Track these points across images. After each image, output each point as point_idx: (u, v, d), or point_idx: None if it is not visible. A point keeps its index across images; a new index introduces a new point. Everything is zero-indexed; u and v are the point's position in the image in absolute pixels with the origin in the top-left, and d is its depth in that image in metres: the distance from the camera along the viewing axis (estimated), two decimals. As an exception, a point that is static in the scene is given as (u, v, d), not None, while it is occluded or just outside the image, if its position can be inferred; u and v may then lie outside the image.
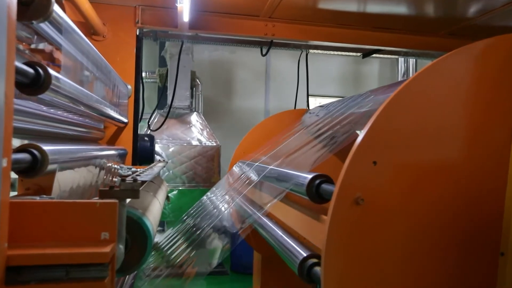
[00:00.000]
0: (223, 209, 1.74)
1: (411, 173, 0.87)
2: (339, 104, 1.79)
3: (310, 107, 4.28)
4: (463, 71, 0.89)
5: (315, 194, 1.07)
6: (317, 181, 1.07)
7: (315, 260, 1.07)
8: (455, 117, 0.89)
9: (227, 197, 1.89)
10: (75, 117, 1.33)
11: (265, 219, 1.51)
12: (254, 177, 1.69)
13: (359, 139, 0.84)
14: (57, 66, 1.11)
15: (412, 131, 0.88)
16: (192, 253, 1.56)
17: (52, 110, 1.10)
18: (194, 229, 1.68)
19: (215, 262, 1.63)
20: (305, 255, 1.10)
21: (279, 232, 1.36)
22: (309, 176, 1.09)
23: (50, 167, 0.85)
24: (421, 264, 0.87)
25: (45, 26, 0.89)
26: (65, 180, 0.99)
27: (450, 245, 0.89)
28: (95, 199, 0.82)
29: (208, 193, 2.13)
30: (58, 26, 0.94)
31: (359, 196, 0.82)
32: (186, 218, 1.87)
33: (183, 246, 1.60)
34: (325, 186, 1.05)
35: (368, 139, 0.85)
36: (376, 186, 0.84)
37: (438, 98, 0.89)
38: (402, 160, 0.86)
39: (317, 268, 1.04)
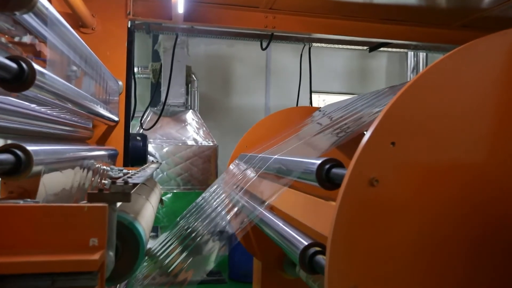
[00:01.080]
0: (219, 209, 1.74)
1: (430, 159, 0.87)
2: (357, 102, 1.77)
3: (313, 105, 4.29)
4: (498, 56, 0.88)
5: (325, 179, 1.07)
6: (328, 165, 1.07)
7: (317, 249, 1.08)
8: (483, 105, 0.89)
9: (223, 195, 1.89)
10: (61, 115, 1.33)
11: (265, 213, 1.51)
12: (257, 168, 1.70)
13: (378, 118, 0.84)
14: (42, 60, 1.11)
15: (437, 115, 0.88)
16: (187, 259, 1.56)
17: (37, 108, 1.10)
18: (189, 231, 1.68)
19: (210, 266, 1.63)
20: (306, 243, 1.11)
21: (280, 223, 1.37)
22: (318, 161, 1.10)
23: (35, 168, 0.85)
24: (433, 257, 0.87)
25: (29, 18, 0.89)
26: (51, 183, 0.99)
27: (466, 242, 0.88)
28: (83, 203, 0.82)
29: (204, 194, 2.13)
30: (43, 17, 0.94)
31: (374, 177, 0.82)
32: (181, 222, 1.87)
33: (177, 252, 1.60)
34: (336, 170, 1.05)
35: (389, 118, 0.85)
36: (393, 168, 0.85)
37: (469, 82, 0.88)
38: (423, 144, 0.86)
39: (320, 257, 1.04)
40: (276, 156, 1.55)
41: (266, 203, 1.48)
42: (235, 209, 1.66)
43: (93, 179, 1.44)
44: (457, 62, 0.88)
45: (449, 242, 0.88)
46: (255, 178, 1.69)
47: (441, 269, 0.87)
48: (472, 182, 0.89)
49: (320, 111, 2.45)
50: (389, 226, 0.85)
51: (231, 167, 2.32)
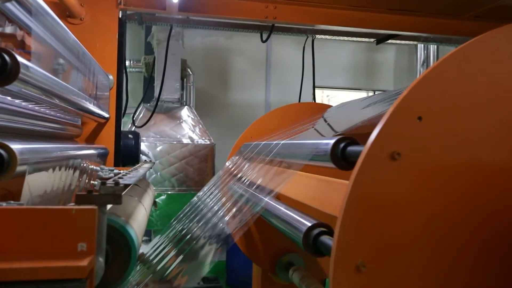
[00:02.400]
0: (215, 208, 1.74)
1: (458, 138, 0.88)
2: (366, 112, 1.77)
3: (317, 100, 4.28)
4: None
5: (341, 158, 1.06)
6: (343, 143, 1.07)
7: (322, 229, 1.08)
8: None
9: (220, 193, 1.88)
10: (48, 111, 1.32)
11: (269, 201, 1.51)
12: (263, 156, 1.70)
13: (406, 90, 0.86)
14: (27, 53, 1.10)
15: (469, 93, 0.89)
16: (181, 264, 1.56)
17: (21, 104, 1.09)
18: (183, 234, 1.68)
19: (206, 271, 1.64)
20: (309, 224, 1.11)
21: (282, 208, 1.37)
22: (333, 140, 1.10)
23: (19, 168, 0.84)
24: (446, 244, 0.88)
25: (12, 7, 0.88)
26: (37, 184, 0.98)
27: (482, 235, 0.89)
28: (71, 205, 0.82)
29: (200, 193, 2.13)
30: (27, 6, 0.93)
31: (396, 151, 0.83)
32: (175, 223, 1.87)
33: (171, 256, 1.60)
34: (352, 147, 1.05)
35: (418, 91, 0.86)
36: (418, 144, 0.86)
37: (508, 65, 0.90)
38: (452, 122, 0.88)
39: (326, 237, 1.05)
40: (284, 141, 1.55)
41: (274, 192, 1.47)
42: (238, 204, 1.66)
43: (81, 179, 1.44)
44: (499, 40, 0.89)
45: (465, 230, 0.89)
46: (258, 166, 1.69)
47: (451, 258, 0.88)
48: (494, 174, 0.90)
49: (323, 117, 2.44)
50: (406, 203, 0.86)
51: (228, 164, 2.32)
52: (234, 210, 1.65)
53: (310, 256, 2.21)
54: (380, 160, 0.84)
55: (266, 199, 1.48)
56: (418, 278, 0.86)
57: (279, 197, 1.57)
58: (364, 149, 0.85)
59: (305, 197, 1.35)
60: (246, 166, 1.95)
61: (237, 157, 2.27)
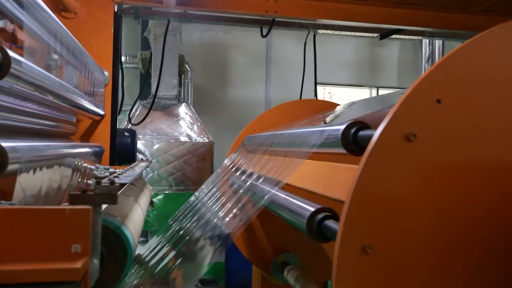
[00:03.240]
0: (215, 207, 1.74)
1: (477, 124, 0.90)
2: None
3: (318, 97, 4.27)
4: None
5: (353, 142, 1.07)
6: (355, 128, 1.07)
7: (327, 213, 1.10)
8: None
9: (217, 192, 1.88)
10: (41, 108, 1.32)
11: (273, 191, 1.51)
12: (269, 147, 1.69)
13: (427, 72, 0.87)
14: (19, 47, 1.10)
15: (491, 80, 0.90)
16: (179, 265, 1.56)
17: (13, 100, 1.09)
18: (180, 234, 1.68)
19: (203, 271, 1.64)
20: (313, 209, 1.12)
21: (285, 196, 1.38)
22: (344, 125, 1.10)
23: (11, 167, 0.84)
24: (455, 232, 0.89)
25: None
26: (30, 183, 0.98)
27: (493, 230, 0.90)
28: (65, 205, 0.81)
29: (196, 193, 2.13)
30: (20, -1, 0.93)
31: (412, 132, 0.84)
32: (172, 223, 1.87)
33: (169, 257, 1.60)
34: (364, 132, 1.06)
35: (438, 73, 0.87)
36: (435, 127, 0.87)
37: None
38: (471, 108, 0.89)
39: (330, 221, 1.06)
40: (291, 130, 1.55)
41: (282, 183, 1.47)
42: (241, 198, 1.65)
43: (76, 178, 1.44)
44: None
45: (477, 218, 0.89)
46: (264, 157, 1.69)
47: (461, 244, 0.89)
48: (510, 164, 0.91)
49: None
50: (418, 186, 0.87)
51: (226, 161, 2.31)
52: (235, 207, 1.65)
53: (308, 257, 2.23)
54: (394, 141, 0.85)
55: (273, 191, 1.47)
56: (425, 263, 0.86)
57: (283, 187, 1.58)
58: (378, 129, 0.86)
59: (310, 184, 1.35)
60: (250, 158, 1.94)
61: (237, 152, 2.27)
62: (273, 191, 1.44)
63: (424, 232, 0.87)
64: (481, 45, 0.89)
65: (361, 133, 1.06)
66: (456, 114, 0.88)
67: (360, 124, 1.08)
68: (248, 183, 1.71)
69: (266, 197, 1.44)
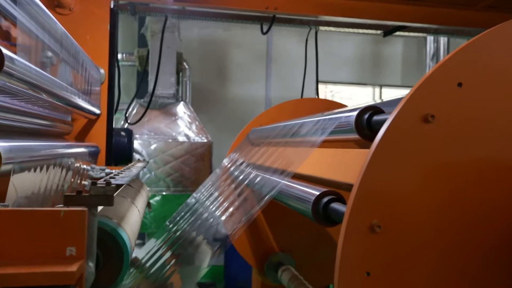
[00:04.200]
0: (213, 208, 1.74)
1: (496, 110, 0.92)
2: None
3: (320, 96, 4.27)
4: None
5: (367, 127, 1.08)
6: (369, 112, 1.09)
7: (333, 196, 1.11)
8: None
9: (216, 192, 1.88)
10: (35, 107, 1.32)
11: (278, 179, 1.51)
12: (277, 139, 1.69)
13: (450, 55, 0.90)
14: (12, 45, 1.09)
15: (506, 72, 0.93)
16: (178, 269, 1.56)
17: (6, 99, 1.09)
18: (179, 236, 1.68)
19: (202, 273, 1.64)
20: (318, 193, 1.13)
21: (288, 182, 1.39)
22: (356, 111, 1.11)
23: (4, 167, 0.84)
24: (464, 219, 0.90)
25: (-3, -5, 0.88)
26: (23, 184, 0.98)
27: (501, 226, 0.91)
28: (59, 207, 0.81)
29: (194, 194, 2.13)
30: (13, -5, 0.93)
31: (430, 113, 0.86)
32: (171, 225, 1.87)
33: (167, 260, 1.60)
34: (379, 116, 1.07)
35: (462, 57, 0.90)
36: (455, 109, 0.89)
37: None
38: (492, 94, 0.92)
39: (336, 204, 1.08)
40: (303, 120, 1.55)
41: (291, 172, 1.47)
42: (243, 197, 1.65)
43: (72, 179, 1.44)
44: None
45: (491, 204, 0.91)
46: (270, 149, 1.68)
47: (472, 228, 0.90)
48: None
49: None
50: (433, 166, 0.88)
51: (225, 161, 2.31)
52: (235, 207, 1.65)
53: (305, 260, 2.22)
54: (411, 121, 0.87)
55: (283, 181, 1.46)
56: (435, 246, 0.87)
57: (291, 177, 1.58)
58: (395, 110, 0.87)
59: (319, 171, 1.35)
60: (255, 151, 1.94)
61: (241, 147, 2.26)
62: (283, 181, 1.43)
63: (436, 215, 0.88)
64: (506, 33, 0.91)
65: (376, 117, 1.07)
66: (476, 99, 0.90)
67: (374, 109, 1.09)
68: (252, 174, 1.70)
69: (276, 188, 1.42)
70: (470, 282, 0.89)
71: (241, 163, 1.98)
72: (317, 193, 1.13)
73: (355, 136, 1.13)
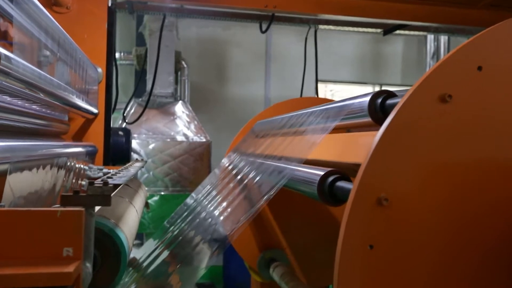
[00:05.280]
0: (211, 207, 1.73)
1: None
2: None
3: (319, 95, 4.27)
4: None
5: (380, 111, 1.09)
6: (382, 96, 1.10)
7: (338, 175, 1.12)
8: None
9: (213, 191, 1.87)
10: (32, 106, 1.32)
11: (283, 165, 1.51)
12: (283, 129, 1.69)
13: (472, 38, 0.92)
14: (8, 43, 1.09)
15: None
16: (177, 269, 1.56)
17: (2, 98, 1.08)
18: (178, 236, 1.68)
19: (201, 273, 1.64)
20: (322, 173, 1.14)
21: (292, 166, 1.39)
22: (369, 96, 1.13)
23: (0, 167, 0.84)
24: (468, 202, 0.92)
25: (-7, -7, 0.87)
26: (20, 184, 0.98)
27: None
28: (56, 207, 0.81)
29: (193, 195, 2.13)
30: (9, -7, 0.93)
31: (448, 93, 0.88)
32: (169, 226, 1.87)
33: (164, 260, 1.60)
34: (393, 100, 1.08)
35: (484, 41, 0.91)
36: (473, 92, 0.91)
37: None
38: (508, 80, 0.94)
39: (342, 182, 1.09)
40: (312, 109, 1.55)
41: (301, 159, 1.47)
42: (242, 197, 1.64)
43: (68, 179, 1.44)
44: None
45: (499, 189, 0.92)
46: (277, 139, 1.67)
47: (479, 206, 0.91)
48: None
49: None
50: (445, 144, 0.90)
51: (224, 161, 2.31)
52: (233, 206, 1.64)
53: (300, 259, 2.21)
54: (428, 99, 0.88)
55: (291, 166, 1.46)
56: (443, 223, 0.89)
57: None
58: (413, 86, 0.88)
59: (326, 155, 1.36)
60: (261, 142, 1.94)
61: (245, 140, 2.25)
62: (291, 166, 1.42)
63: (444, 194, 0.89)
64: None
65: (389, 101, 1.08)
66: (495, 84, 0.92)
67: (387, 93, 1.10)
68: (260, 163, 1.69)
69: (286, 175, 1.40)
70: (477, 259, 0.90)
71: (247, 155, 1.97)
72: (322, 173, 1.14)
73: (367, 119, 1.14)
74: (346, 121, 1.28)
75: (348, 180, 1.11)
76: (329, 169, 1.15)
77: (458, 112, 0.90)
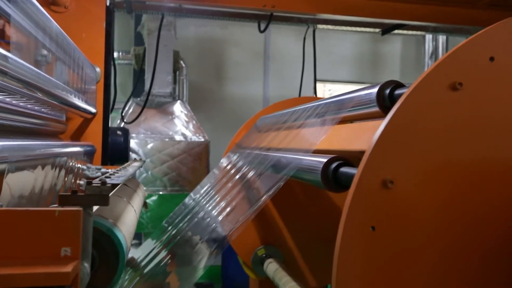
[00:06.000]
0: (209, 207, 1.73)
1: None
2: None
3: (318, 95, 4.27)
4: None
5: (389, 100, 1.11)
6: (390, 87, 1.11)
7: (341, 161, 1.13)
8: None
9: (212, 191, 1.87)
10: (29, 106, 1.31)
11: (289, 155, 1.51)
12: (289, 123, 1.68)
13: (485, 29, 0.93)
14: (6, 43, 1.09)
15: None
16: (176, 269, 1.56)
17: (0, 98, 1.08)
18: (177, 236, 1.68)
19: (200, 273, 1.64)
20: (325, 160, 1.15)
21: (294, 156, 1.39)
22: (376, 87, 1.14)
23: (-2, 167, 0.83)
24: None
25: (-10, -8, 0.87)
26: (17, 184, 0.97)
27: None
28: (54, 207, 0.81)
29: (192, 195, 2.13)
30: (7, -8, 0.92)
31: (459, 81, 0.90)
32: (168, 226, 1.87)
33: (163, 260, 1.60)
34: (402, 90, 1.09)
35: (497, 32, 0.93)
36: (484, 82, 0.92)
37: None
38: None
39: (346, 167, 1.10)
40: (318, 102, 1.56)
41: (309, 150, 1.47)
42: (241, 196, 1.63)
43: (66, 179, 1.43)
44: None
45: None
46: (283, 133, 1.66)
47: (484, 191, 0.92)
48: None
49: None
50: (453, 131, 0.91)
51: (223, 161, 2.31)
52: (233, 206, 1.64)
53: (295, 258, 2.20)
54: (438, 87, 0.89)
55: (299, 156, 1.45)
56: (448, 207, 0.90)
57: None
58: (425, 73, 0.90)
59: (331, 144, 1.37)
60: (265, 136, 1.93)
61: (249, 135, 2.24)
62: (299, 156, 1.40)
63: (452, 179, 0.90)
64: None
65: (398, 91, 1.09)
66: (507, 75, 0.93)
67: (396, 83, 1.11)
68: (265, 156, 1.68)
69: (293, 165, 1.38)
70: (481, 245, 0.91)
71: (251, 148, 1.96)
72: (325, 160, 1.15)
73: (375, 109, 1.14)
74: (353, 112, 1.28)
75: (352, 165, 1.12)
76: (333, 155, 1.16)
77: (468, 100, 0.91)
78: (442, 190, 0.90)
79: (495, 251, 0.91)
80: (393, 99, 1.09)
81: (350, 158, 1.16)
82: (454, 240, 0.90)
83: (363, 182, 0.86)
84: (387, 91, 1.11)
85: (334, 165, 1.12)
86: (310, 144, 1.41)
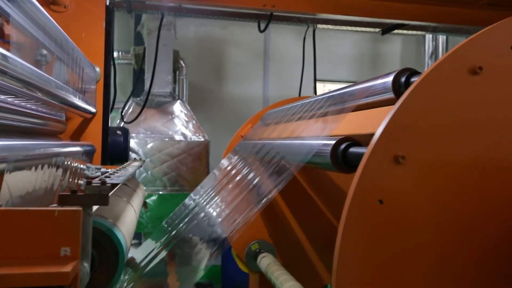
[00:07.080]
0: (209, 208, 1.73)
1: None
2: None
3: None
4: None
5: (404, 86, 1.11)
6: (406, 74, 1.12)
7: (350, 142, 1.14)
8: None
9: (212, 192, 1.87)
10: (29, 105, 1.31)
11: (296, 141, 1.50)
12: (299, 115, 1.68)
13: (508, 19, 0.95)
14: (6, 42, 1.09)
15: None
16: (176, 269, 1.56)
17: (0, 97, 1.08)
18: (177, 237, 1.68)
19: (200, 274, 1.64)
20: (334, 141, 1.15)
21: (301, 141, 1.39)
22: (392, 74, 1.15)
23: (-3, 167, 0.83)
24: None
25: (-10, -8, 0.87)
26: (17, 183, 0.97)
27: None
28: (54, 207, 0.81)
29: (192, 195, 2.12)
30: (6, -9, 0.92)
31: (478, 65, 0.91)
32: (167, 226, 1.87)
33: (163, 260, 1.60)
34: (417, 77, 1.10)
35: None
36: (504, 68, 0.93)
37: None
38: None
39: (356, 148, 1.11)
40: (329, 94, 1.57)
41: (324, 137, 1.47)
42: (243, 195, 1.63)
43: (66, 179, 1.43)
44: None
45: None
46: (293, 124, 1.66)
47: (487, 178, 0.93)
48: None
49: None
50: (470, 113, 0.92)
51: (224, 162, 2.30)
52: (233, 206, 1.64)
53: (299, 259, 2.20)
54: (457, 72, 0.90)
55: (315, 141, 1.44)
56: (458, 184, 0.91)
57: None
58: (444, 55, 0.91)
59: (341, 131, 1.37)
60: (273, 128, 1.92)
61: (256, 129, 2.24)
62: (315, 141, 1.38)
63: (466, 158, 0.91)
64: None
65: (413, 79, 1.09)
66: None
67: (411, 71, 1.12)
68: (276, 145, 1.67)
69: (306, 152, 1.37)
70: (487, 227, 0.92)
71: (259, 141, 1.95)
72: (334, 141, 1.15)
73: (390, 96, 1.15)
74: (368, 99, 1.29)
75: (361, 146, 1.13)
76: (341, 136, 1.16)
77: (486, 86, 0.91)
78: (456, 170, 0.90)
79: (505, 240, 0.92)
80: (409, 86, 1.11)
81: (360, 141, 1.16)
82: (462, 223, 0.91)
83: (375, 155, 0.86)
84: (403, 79, 1.12)
85: (343, 146, 1.13)
86: (327, 131, 1.41)
